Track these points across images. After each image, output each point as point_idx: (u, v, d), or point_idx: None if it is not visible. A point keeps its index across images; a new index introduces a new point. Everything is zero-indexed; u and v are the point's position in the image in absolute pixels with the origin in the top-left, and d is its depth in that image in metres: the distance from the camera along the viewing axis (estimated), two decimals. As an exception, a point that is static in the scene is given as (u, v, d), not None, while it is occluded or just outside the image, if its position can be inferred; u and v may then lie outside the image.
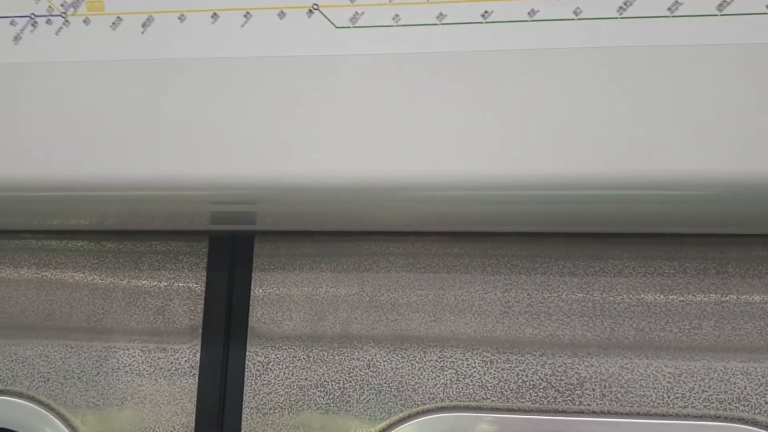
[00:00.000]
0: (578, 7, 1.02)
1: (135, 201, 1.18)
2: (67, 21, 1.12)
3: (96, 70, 1.11)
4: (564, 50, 1.03)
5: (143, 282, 1.40)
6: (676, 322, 1.25)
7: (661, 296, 1.26)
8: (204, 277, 1.38)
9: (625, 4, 1.01)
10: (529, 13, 1.03)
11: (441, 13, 1.04)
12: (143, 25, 1.10)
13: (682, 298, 1.26)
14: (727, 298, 1.25)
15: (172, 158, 1.09)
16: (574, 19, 1.02)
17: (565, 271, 1.29)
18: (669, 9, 1.01)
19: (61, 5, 1.12)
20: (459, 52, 1.05)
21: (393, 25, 1.05)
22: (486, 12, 1.04)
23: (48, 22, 1.12)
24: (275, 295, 1.36)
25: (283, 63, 1.07)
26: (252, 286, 1.36)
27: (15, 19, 1.13)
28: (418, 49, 1.05)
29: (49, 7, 1.12)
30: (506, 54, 1.04)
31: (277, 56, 1.08)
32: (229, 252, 1.39)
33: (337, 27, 1.07)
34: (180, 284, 1.39)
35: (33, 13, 1.12)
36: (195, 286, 1.38)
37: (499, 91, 1.04)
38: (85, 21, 1.11)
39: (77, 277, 1.42)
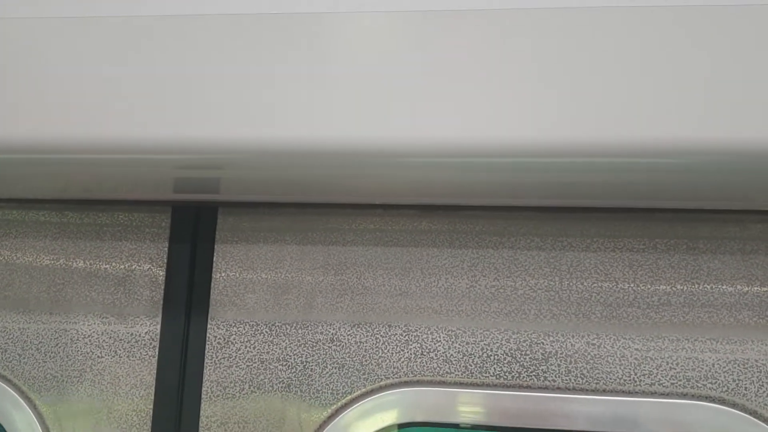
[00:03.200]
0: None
1: (98, 165, 1.15)
2: (22, -26, 1.10)
3: (55, 26, 1.09)
4: (533, 10, 1.01)
5: (104, 253, 1.37)
6: (644, 299, 1.24)
7: (630, 272, 1.25)
8: (166, 249, 1.36)
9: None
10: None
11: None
12: (104, -19, 1.08)
13: (651, 274, 1.24)
14: (697, 275, 1.24)
15: (136, 119, 1.07)
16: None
17: (532, 246, 1.28)
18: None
19: (19, -41, 1.10)
20: (421, 11, 1.03)
21: (356, -18, 1.04)
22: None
23: (3, -25, 1.10)
24: (238, 268, 1.33)
25: (248, 21, 1.05)
26: (215, 259, 1.34)
27: (-29, -28, 1.11)
28: (391, 8, 1.03)
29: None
30: (467, 14, 1.02)
31: (241, 14, 1.06)
32: (192, 224, 1.37)
33: (301, -17, 1.05)
34: (142, 256, 1.37)
35: (-10, -33, 1.11)
36: (157, 258, 1.36)
37: (469, 54, 1.03)
38: (44, -26, 1.09)
39: (38, 247, 1.39)
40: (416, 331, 1.27)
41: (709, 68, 0.98)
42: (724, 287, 1.23)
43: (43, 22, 1.10)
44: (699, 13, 0.99)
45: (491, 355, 1.25)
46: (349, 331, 1.29)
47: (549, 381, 1.23)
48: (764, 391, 1.19)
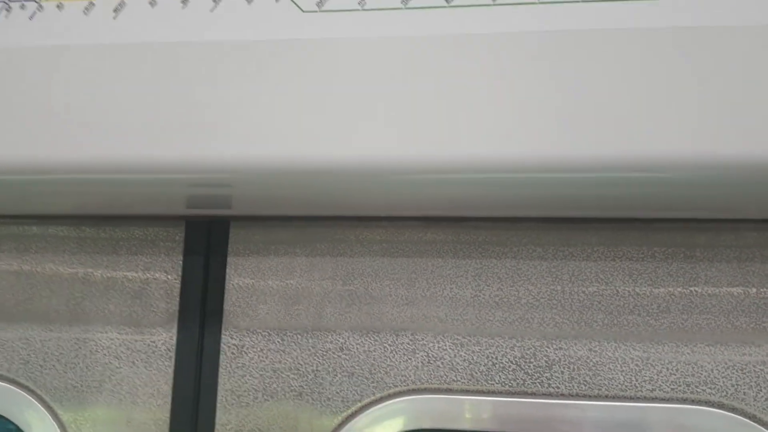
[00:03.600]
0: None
1: (113, 184, 1.20)
2: (40, 6, 1.14)
3: (70, 54, 1.13)
4: (527, 33, 1.05)
5: (121, 267, 1.42)
6: (644, 306, 1.27)
7: (630, 280, 1.28)
8: (180, 263, 1.40)
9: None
10: (491, -3, 1.05)
11: (406, -2, 1.07)
12: (115, 10, 1.12)
13: (650, 282, 1.28)
14: (695, 282, 1.27)
15: (149, 141, 1.11)
16: (535, 3, 1.04)
17: (534, 256, 1.31)
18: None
19: (35, -10, 1.14)
20: (424, 36, 1.07)
21: (359, 9, 1.08)
22: (450, -5, 1.06)
23: (22, 7, 1.14)
24: (250, 280, 1.38)
25: (252, 47, 1.09)
26: (227, 271, 1.39)
27: (-11, 4, 1.15)
28: (384, 33, 1.07)
29: (23, -8, 1.14)
30: (470, 38, 1.06)
31: (246, 40, 1.10)
32: (205, 237, 1.41)
33: (303, 11, 1.09)
34: (157, 269, 1.41)
35: (7, -1, 1.15)
36: (172, 271, 1.40)
37: (466, 74, 1.06)
38: (58, 6, 1.13)
39: (57, 262, 1.44)
40: (423, 339, 1.31)
41: (703, 88, 1.01)
42: (721, 294, 1.26)
43: (55, 51, 1.14)
44: (692, 35, 1.02)
45: (496, 363, 1.29)
46: (358, 340, 1.33)
47: (553, 387, 1.27)
48: (763, 396, 1.22)
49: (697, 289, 1.26)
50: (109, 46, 1.12)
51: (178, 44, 1.11)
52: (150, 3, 1.11)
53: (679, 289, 1.27)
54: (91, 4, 1.12)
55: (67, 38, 1.13)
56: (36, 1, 1.14)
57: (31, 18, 1.14)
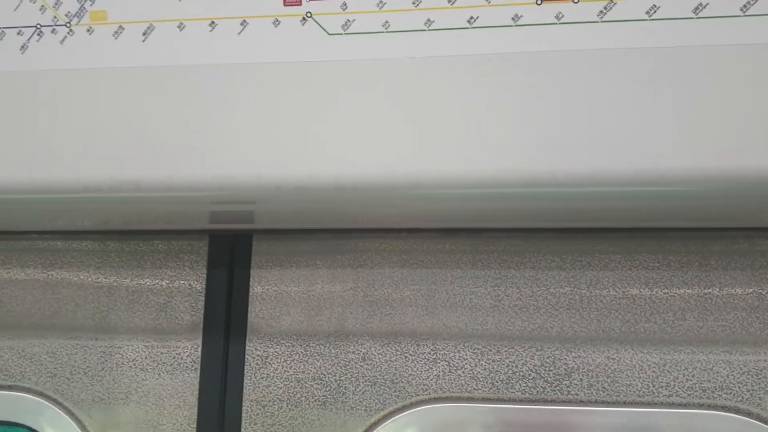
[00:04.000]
0: (560, 12, 1.06)
1: (137, 202, 1.22)
2: (71, 30, 1.16)
3: (99, 77, 1.15)
4: (546, 53, 1.07)
5: (146, 280, 1.44)
6: (660, 314, 1.30)
7: (646, 289, 1.31)
8: (204, 275, 1.43)
9: (604, 8, 1.06)
10: (512, 18, 1.07)
11: (429, 20, 1.09)
12: (144, 34, 1.14)
13: (666, 290, 1.30)
14: (710, 290, 1.29)
15: (173, 161, 1.13)
16: (555, 24, 1.06)
17: (553, 266, 1.34)
18: (647, 12, 1.05)
19: (66, 15, 1.16)
20: (446, 56, 1.09)
21: (383, 32, 1.10)
22: (471, 18, 1.08)
23: (53, 31, 1.16)
24: (273, 291, 1.40)
25: (279, 69, 1.12)
26: (251, 283, 1.41)
27: (22, 29, 1.17)
28: (407, 54, 1.09)
29: (55, 17, 1.16)
30: (491, 57, 1.08)
31: (273, 62, 1.12)
32: (228, 250, 1.44)
33: (329, 34, 1.11)
34: (181, 282, 1.43)
35: (39, 24, 1.17)
36: (196, 283, 1.43)
37: (486, 92, 1.08)
38: (88, 30, 1.15)
39: (82, 276, 1.46)
40: (444, 349, 1.34)
41: (718, 103, 1.03)
42: (735, 301, 1.29)
43: (85, 73, 1.16)
44: (705, 52, 1.04)
45: (516, 372, 1.31)
46: (379, 349, 1.36)
47: (572, 395, 1.29)
48: (777, 400, 1.25)
49: (712, 296, 1.29)
50: (137, 69, 1.14)
51: (206, 66, 1.13)
52: (178, 26, 1.13)
53: (694, 297, 1.29)
54: (121, 27, 1.14)
55: (96, 62, 1.15)
56: (67, 26, 1.16)
57: (62, 42, 1.16)
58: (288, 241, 1.42)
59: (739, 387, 1.26)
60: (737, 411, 1.25)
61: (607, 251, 1.33)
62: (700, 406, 1.27)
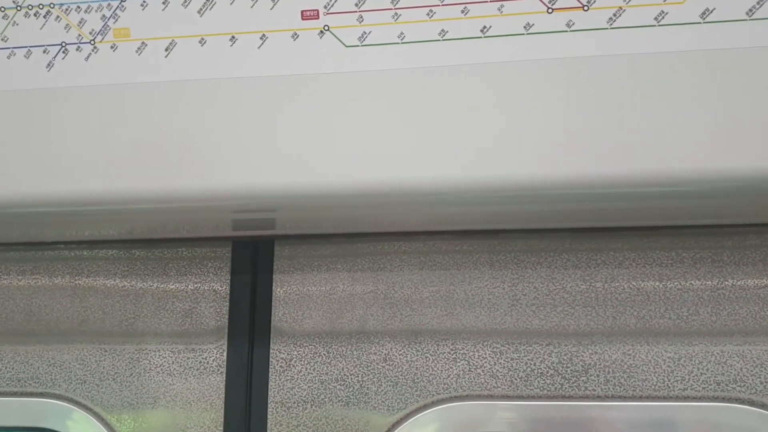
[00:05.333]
0: (570, 20, 1.09)
1: (162, 212, 1.25)
2: (95, 48, 1.19)
3: (123, 92, 1.18)
4: (557, 60, 1.10)
5: (171, 286, 1.48)
6: (674, 309, 1.32)
7: (660, 285, 1.33)
8: (228, 281, 1.46)
9: (614, 15, 1.08)
10: (524, 26, 1.10)
11: (443, 30, 1.12)
12: (166, 49, 1.18)
13: (679, 286, 1.33)
14: (723, 285, 1.32)
15: (197, 172, 1.16)
16: (566, 31, 1.09)
17: (568, 264, 1.37)
18: (656, 18, 1.08)
19: (90, 33, 1.19)
20: (461, 65, 1.12)
21: (398, 43, 1.13)
22: (484, 27, 1.11)
23: (78, 49, 1.20)
24: (295, 295, 1.43)
25: (298, 80, 1.15)
26: (273, 288, 1.44)
27: (48, 47, 1.21)
28: (423, 64, 1.12)
29: (79, 35, 1.20)
30: (504, 65, 1.11)
31: (292, 74, 1.15)
32: (251, 256, 1.47)
33: (347, 46, 1.14)
34: (206, 288, 1.47)
35: (64, 42, 1.20)
36: (220, 289, 1.46)
37: (500, 100, 1.11)
38: (112, 47, 1.19)
39: (109, 284, 1.50)
40: (463, 348, 1.37)
41: (730, 105, 1.06)
42: (748, 295, 1.31)
43: (110, 89, 1.19)
44: (714, 56, 1.07)
45: (535, 369, 1.34)
46: (400, 350, 1.39)
47: (589, 390, 1.32)
48: (790, 391, 1.27)
49: (724, 291, 1.31)
50: (160, 83, 1.17)
51: (227, 80, 1.16)
52: (200, 41, 1.16)
53: (707, 292, 1.32)
54: (144, 44, 1.18)
55: (120, 77, 1.18)
56: (91, 43, 1.19)
57: (86, 59, 1.19)
58: (309, 245, 1.45)
59: (752, 379, 1.28)
60: (751, 403, 1.28)
61: (622, 249, 1.36)
62: (715, 398, 1.29)
